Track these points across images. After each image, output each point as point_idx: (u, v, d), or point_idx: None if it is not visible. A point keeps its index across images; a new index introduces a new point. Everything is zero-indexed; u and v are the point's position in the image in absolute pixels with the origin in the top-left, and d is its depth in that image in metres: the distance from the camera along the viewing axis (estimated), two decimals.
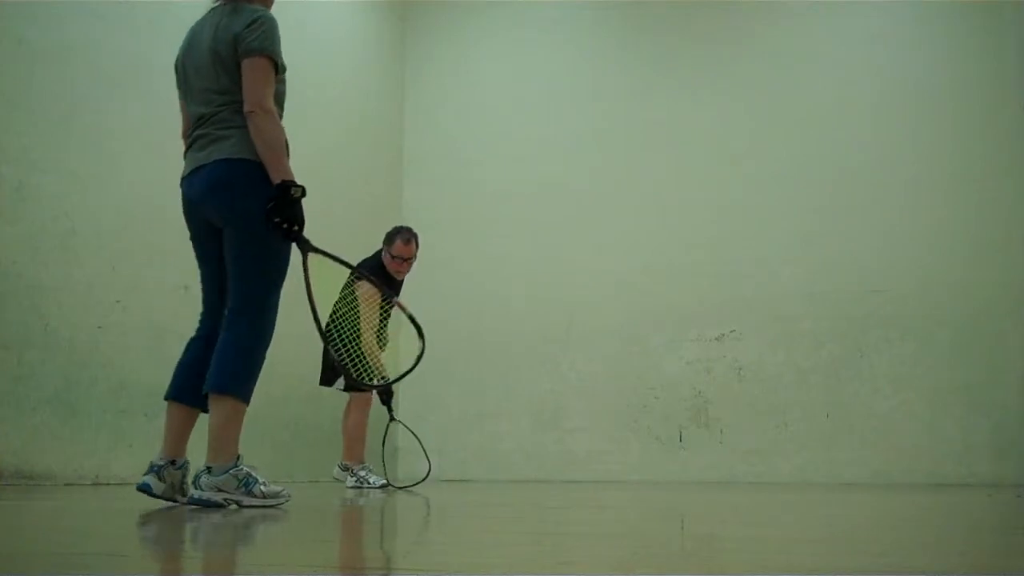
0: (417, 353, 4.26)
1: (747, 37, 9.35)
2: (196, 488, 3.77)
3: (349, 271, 4.01)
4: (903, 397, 8.56)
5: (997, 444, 8.29)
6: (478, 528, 3.35)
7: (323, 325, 3.88)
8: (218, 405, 3.78)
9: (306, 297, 3.94)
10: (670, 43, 9.56)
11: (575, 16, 9.84)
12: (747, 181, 9.09)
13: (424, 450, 6.80)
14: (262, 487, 3.80)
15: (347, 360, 3.84)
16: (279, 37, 3.91)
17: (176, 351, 4.09)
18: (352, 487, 6.58)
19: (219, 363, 3.79)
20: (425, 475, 6.92)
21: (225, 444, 3.76)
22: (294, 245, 3.89)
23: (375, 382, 4.35)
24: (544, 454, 9.26)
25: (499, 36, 10.05)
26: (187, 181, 3.97)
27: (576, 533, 3.25)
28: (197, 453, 3.90)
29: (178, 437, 3.93)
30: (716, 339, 9.02)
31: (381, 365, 6.50)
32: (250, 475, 3.79)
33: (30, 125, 5.90)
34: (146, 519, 3.45)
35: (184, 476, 3.93)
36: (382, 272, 6.75)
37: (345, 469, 6.83)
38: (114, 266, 6.31)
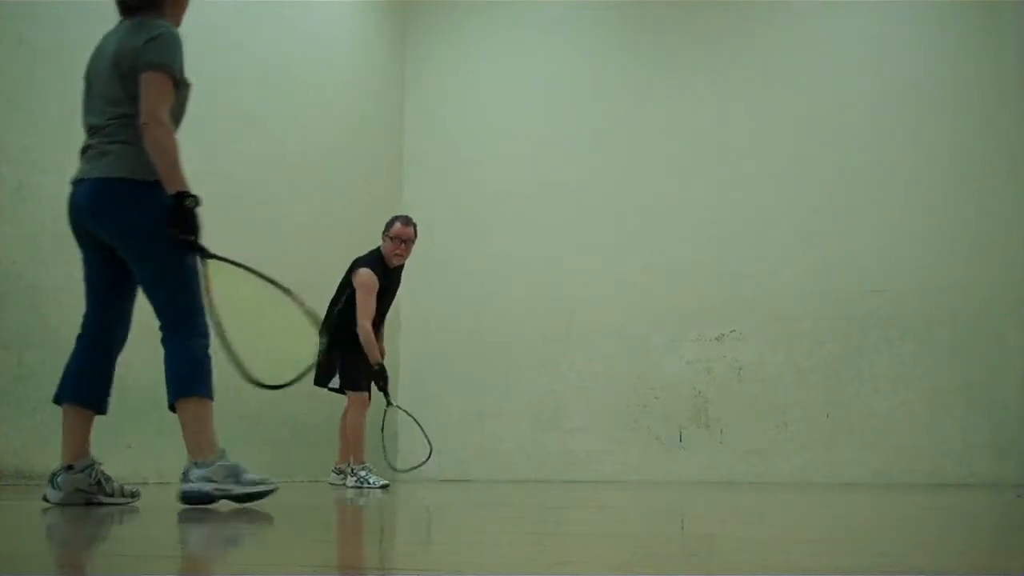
0: (314, 353, 4.13)
1: (747, 37, 9.35)
2: (186, 481, 3.78)
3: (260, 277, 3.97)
4: (903, 397, 8.56)
5: (997, 444, 8.29)
6: (478, 528, 3.35)
7: (224, 328, 3.85)
8: (182, 409, 3.81)
9: (290, 301, 3.96)
10: (670, 43, 9.56)
11: (575, 16, 9.84)
12: (747, 181, 9.09)
13: (424, 433, 6.85)
14: (250, 476, 3.82)
15: (236, 360, 3.84)
16: (180, 53, 3.92)
17: None
18: (353, 487, 6.58)
19: (170, 376, 3.83)
20: (426, 458, 6.95)
21: (204, 441, 3.79)
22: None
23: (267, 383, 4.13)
24: (544, 454, 9.26)
25: (499, 36, 10.05)
26: (74, 186, 4.00)
27: (576, 533, 3.25)
28: (178, 455, 3.91)
29: (71, 440, 3.90)
30: (716, 339, 9.02)
31: (375, 350, 6.54)
32: (237, 465, 3.82)
33: (30, 125, 5.90)
34: (145, 519, 3.45)
35: (92, 476, 3.88)
36: (381, 264, 6.78)
37: (340, 473, 6.83)
38: None
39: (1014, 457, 8.17)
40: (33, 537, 2.91)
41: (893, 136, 8.85)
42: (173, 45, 3.89)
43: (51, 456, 5.87)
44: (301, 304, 4.03)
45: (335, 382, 6.71)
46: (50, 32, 6.03)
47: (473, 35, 10.08)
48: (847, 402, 8.66)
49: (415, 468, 7.02)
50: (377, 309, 6.75)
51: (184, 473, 3.80)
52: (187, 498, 3.75)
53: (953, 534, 3.35)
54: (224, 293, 3.92)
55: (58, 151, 6.04)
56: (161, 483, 6.47)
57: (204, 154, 7.44)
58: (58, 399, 3.96)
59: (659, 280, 9.16)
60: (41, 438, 5.81)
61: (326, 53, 8.95)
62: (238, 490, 3.76)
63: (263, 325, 3.99)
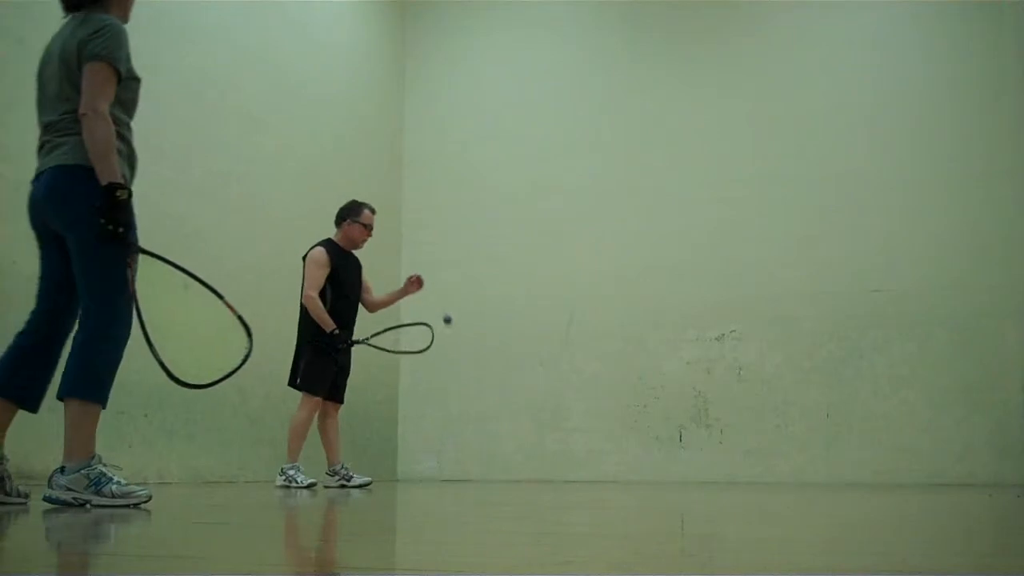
0: (244, 352, 3.96)
1: (747, 37, 9.36)
2: (50, 488, 3.79)
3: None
4: (903, 397, 8.56)
5: (997, 444, 8.29)
6: (478, 528, 3.35)
7: (146, 323, 3.85)
8: (68, 408, 3.81)
9: (220, 303, 3.95)
10: (671, 43, 9.56)
11: (575, 16, 9.84)
12: (747, 181, 9.09)
13: (423, 324, 7.28)
14: (113, 487, 3.77)
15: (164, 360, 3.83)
16: (125, 45, 3.93)
17: None
18: (281, 485, 6.55)
19: (67, 367, 3.84)
20: (429, 343, 7.31)
21: (77, 445, 3.78)
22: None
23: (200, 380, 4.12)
24: (544, 454, 9.26)
25: (499, 36, 10.05)
26: (33, 184, 4.06)
27: (576, 533, 3.24)
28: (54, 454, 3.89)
29: None
30: (716, 339, 9.02)
31: (327, 321, 6.58)
32: (103, 475, 3.78)
33: (30, 125, 5.89)
34: (145, 519, 3.45)
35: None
36: (334, 247, 6.78)
37: (333, 474, 6.85)
38: None
39: (1014, 457, 8.18)
40: (33, 537, 2.91)
41: (893, 136, 8.86)
42: (117, 38, 3.91)
43: (51, 456, 5.87)
44: (231, 308, 4.01)
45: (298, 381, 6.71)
46: (50, 32, 6.01)
47: (473, 35, 10.08)
48: (847, 402, 8.66)
49: (424, 350, 7.39)
50: (342, 295, 6.75)
51: (51, 475, 3.80)
52: (50, 502, 3.76)
53: (953, 534, 3.35)
54: (151, 289, 3.91)
55: None
56: (161, 483, 6.47)
57: (204, 154, 7.46)
58: None
59: (659, 280, 9.16)
60: (41, 438, 5.80)
61: (326, 53, 8.95)
62: (97, 501, 3.73)
63: (190, 323, 3.98)
